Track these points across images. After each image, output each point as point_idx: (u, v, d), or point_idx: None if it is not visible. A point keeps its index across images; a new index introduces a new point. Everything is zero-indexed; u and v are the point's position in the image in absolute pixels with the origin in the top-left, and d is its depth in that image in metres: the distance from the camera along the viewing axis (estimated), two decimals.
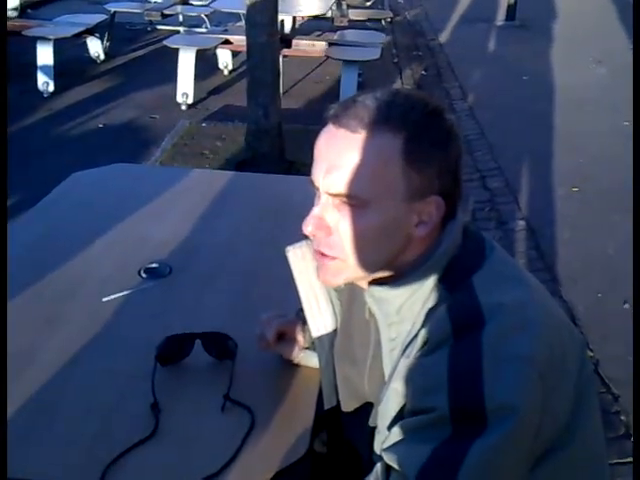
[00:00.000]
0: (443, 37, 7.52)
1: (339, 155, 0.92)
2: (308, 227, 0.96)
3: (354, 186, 0.91)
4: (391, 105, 0.92)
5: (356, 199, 0.92)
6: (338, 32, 6.14)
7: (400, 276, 0.96)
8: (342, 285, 1.05)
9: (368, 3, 8.05)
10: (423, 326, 0.93)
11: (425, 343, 0.91)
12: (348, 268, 0.97)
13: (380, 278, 0.98)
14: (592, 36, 7.29)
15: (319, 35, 6.62)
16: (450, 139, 0.95)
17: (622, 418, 2.29)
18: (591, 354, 2.52)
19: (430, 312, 0.93)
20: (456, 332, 0.88)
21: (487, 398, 0.83)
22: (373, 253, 0.96)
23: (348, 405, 1.16)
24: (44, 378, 1.27)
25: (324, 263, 0.98)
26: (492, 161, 4.34)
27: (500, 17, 8.10)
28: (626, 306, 2.88)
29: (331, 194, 0.93)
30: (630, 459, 2.07)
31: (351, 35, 5.95)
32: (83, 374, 1.29)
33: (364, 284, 1.00)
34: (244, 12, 4.03)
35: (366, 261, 0.96)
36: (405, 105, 0.93)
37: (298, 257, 1.15)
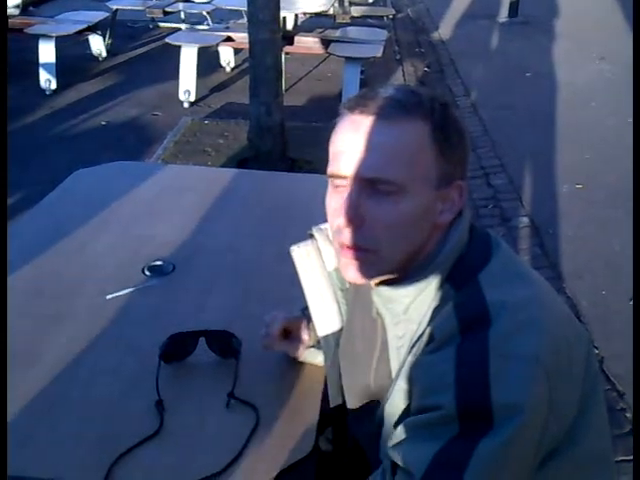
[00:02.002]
0: (445, 34, 7.50)
1: (372, 141, 0.90)
2: (340, 219, 0.92)
3: (391, 170, 0.90)
4: (416, 95, 0.94)
5: (393, 185, 0.90)
6: (340, 29, 6.12)
7: (407, 276, 0.95)
8: (366, 281, 1.00)
9: (370, 0, 8.03)
10: (430, 324, 0.92)
11: (432, 341, 0.90)
12: (380, 260, 0.94)
13: (388, 278, 0.98)
14: (595, 32, 7.27)
15: (321, 32, 6.60)
16: (463, 129, 0.97)
17: (627, 415, 2.28)
18: (596, 351, 2.52)
19: (437, 310, 0.92)
20: (463, 330, 0.88)
21: (494, 397, 0.83)
22: (405, 242, 0.94)
23: (354, 403, 1.15)
24: (49, 376, 1.27)
25: (355, 258, 0.94)
26: (495, 158, 4.33)
27: (503, 13, 8.08)
28: (631, 303, 2.87)
29: (367, 180, 0.91)
30: None
31: (353, 32, 5.93)
32: (87, 372, 1.29)
33: (373, 283, 0.99)
34: (246, 9, 4.02)
35: (398, 251, 0.94)
36: (426, 95, 0.95)
37: (303, 256, 1.15)
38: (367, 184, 0.91)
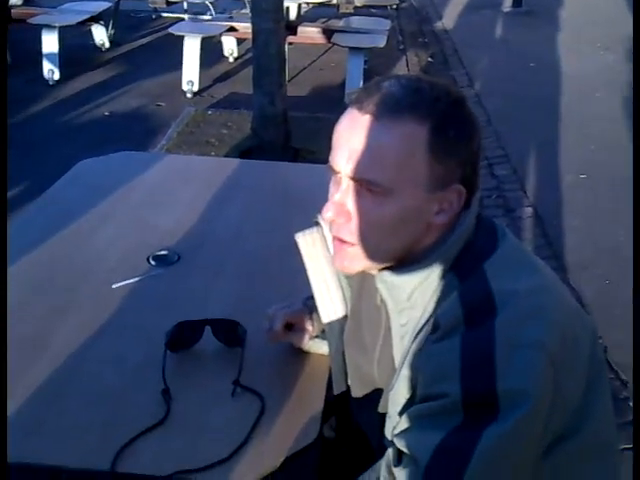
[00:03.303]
0: (449, 23, 7.47)
1: (364, 141, 0.90)
2: (328, 213, 0.95)
3: (378, 173, 0.90)
4: (417, 93, 0.91)
5: (379, 186, 0.91)
6: (343, 19, 6.10)
7: (412, 262, 0.96)
8: (357, 272, 1.04)
9: None
10: (434, 313, 0.92)
11: (437, 329, 0.91)
12: (366, 255, 0.96)
13: (392, 265, 0.98)
14: (599, 22, 7.23)
15: (324, 22, 6.58)
16: (472, 130, 0.95)
17: (631, 404, 2.29)
18: (600, 340, 2.52)
19: (441, 298, 0.93)
20: (468, 319, 0.88)
21: (499, 385, 0.83)
22: (392, 240, 0.95)
23: (358, 391, 1.16)
24: (56, 365, 1.28)
25: (342, 249, 0.98)
26: (499, 148, 4.32)
27: (507, 3, 8.03)
28: None
29: (354, 179, 0.92)
30: None
31: (357, 22, 5.91)
32: (94, 361, 1.30)
33: (375, 270, 1.00)
34: None
35: (384, 248, 0.96)
36: (431, 94, 0.92)
37: (308, 243, 1.15)
38: (356, 182, 0.92)
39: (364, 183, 0.91)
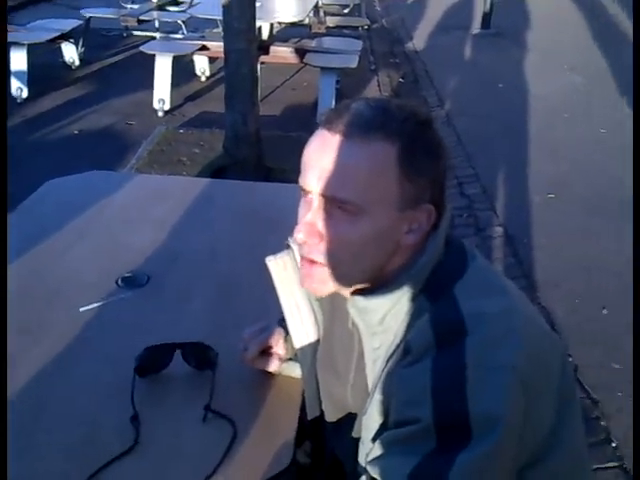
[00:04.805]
0: (420, 45, 7.57)
1: (335, 160, 0.90)
2: (299, 234, 0.94)
3: (350, 191, 0.90)
4: (386, 113, 0.92)
5: (351, 205, 0.91)
6: (316, 39, 6.15)
7: (382, 286, 0.95)
8: (327, 294, 1.03)
9: (345, 10, 8.07)
10: (406, 336, 0.92)
11: (408, 354, 0.90)
12: (336, 276, 0.96)
13: (363, 288, 0.98)
14: (566, 44, 7.39)
15: (297, 42, 6.61)
16: (440, 150, 0.96)
17: (602, 423, 2.30)
18: (570, 359, 2.54)
19: (412, 322, 0.92)
20: (439, 342, 0.88)
21: (471, 409, 0.83)
22: (363, 260, 0.95)
23: (332, 416, 1.15)
24: (23, 389, 1.24)
25: (312, 271, 0.97)
26: (469, 168, 4.36)
27: (476, 25, 8.17)
28: (604, 312, 2.91)
29: (326, 198, 0.92)
30: (612, 464, 2.08)
31: (329, 42, 5.95)
32: (63, 385, 1.27)
33: (347, 293, 0.99)
34: (221, 18, 4.01)
35: (355, 268, 0.96)
36: (400, 114, 0.93)
37: (280, 267, 1.14)
38: (327, 201, 0.92)
39: (336, 202, 0.91)
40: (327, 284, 0.97)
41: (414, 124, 0.93)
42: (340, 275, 0.96)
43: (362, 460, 0.95)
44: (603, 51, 6.89)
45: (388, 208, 0.92)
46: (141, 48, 5.49)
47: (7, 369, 1.08)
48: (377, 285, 0.96)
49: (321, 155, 0.92)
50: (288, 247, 1.14)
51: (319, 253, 0.95)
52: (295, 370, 1.26)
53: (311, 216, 0.94)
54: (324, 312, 1.14)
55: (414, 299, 0.93)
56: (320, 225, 0.93)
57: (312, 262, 0.96)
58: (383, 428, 0.92)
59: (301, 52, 5.55)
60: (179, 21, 6.67)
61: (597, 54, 6.82)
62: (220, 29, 4.94)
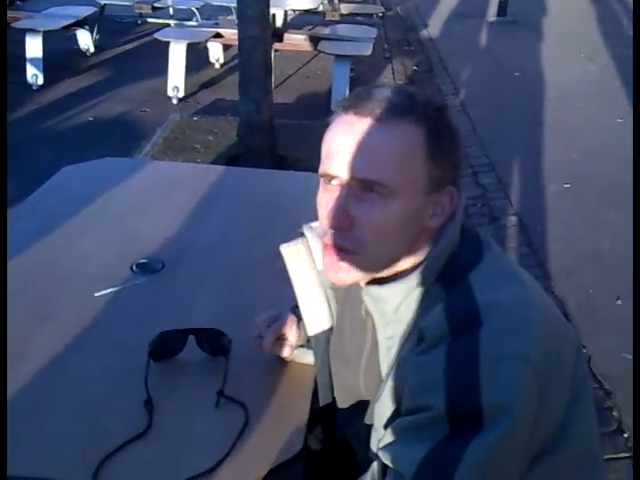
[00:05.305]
0: (435, 32, 7.52)
1: (366, 143, 0.90)
2: (333, 221, 0.92)
3: (382, 173, 0.90)
4: (412, 99, 0.93)
5: (383, 187, 0.90)
6: (330, 26, 6.12)
7: (398, 275, 0.95)
8: (349, 284, 1.01)
9: None
10: (420, 325, 0.92)
11: (422, 342, 0.90)
12: (365, 263, 0.95)
13: (377, 277, 0.97)
14: (582, 32, 7.31)
15: (311, 29, 6.59)
16: (458, 135, 0.97)
17: (614, 414, 2.30)
18: (583, 350, 2.53)
19: (427, 311, 0.92)
20: (453, 331, 0.88)
21: (484, 397, 0.83)
22: (392, 245, 0.94)
23: (344, 402, 1.15)
24: (37, 375, 1.25)
25: (339, 259, 0.94)
26: (484, 157, 4.34)
27: (491, 12, 8.11)
28: (619, 302, 2.89)
29: (358, 180, 0.91)
30: (623, 454, 2.08)
31: (343, 30, 5.93)
32: (76, 370, 1.28)
33: (363, 282, 0.99)
34: (235, 5, 4.01)
35: (384, 254, 0.95)
36: (422, 99, 0.94)
37: (293, 254, 1.14)
38: (358, 185, 0.91)
39: (368, 185, 0.90)
40: (352, 273, 0.95)
41: (434, 109, 0.94)
42: (367, 262, 0.95)
43: (374, 446, 0.95)
44: (620, 39, 6.81)
45: (416, 190, 0.92)
46: (155, 35, 5.50)
47: (7, 369, 1.09)
48: (393, 274, 0.96)
49: (350, 139, 0.91)
50: (302, 235, 1.14)
51: (350, 239, 0.93)
52: (307, 357, 1.26)
53: (341, 202, 0.92)
54: (338, 300, 1.14)
55: (429, 288, 0.93)
56: (351, 210, 0.92)
57: (339, 250, 0.94)
58: (395, 415, 0.92)
59: (315, 40, 5.53)
60: (193, 8, 6.67)
61: (614, 42, 6.74)
62: (234, 16, 4.94)
